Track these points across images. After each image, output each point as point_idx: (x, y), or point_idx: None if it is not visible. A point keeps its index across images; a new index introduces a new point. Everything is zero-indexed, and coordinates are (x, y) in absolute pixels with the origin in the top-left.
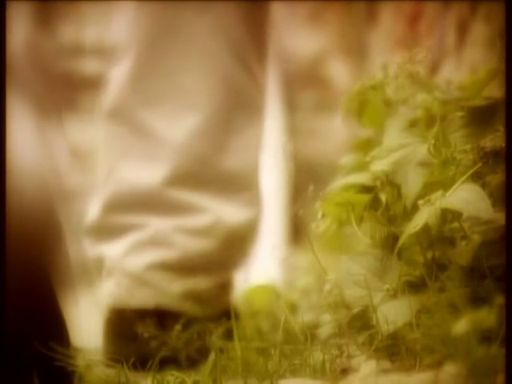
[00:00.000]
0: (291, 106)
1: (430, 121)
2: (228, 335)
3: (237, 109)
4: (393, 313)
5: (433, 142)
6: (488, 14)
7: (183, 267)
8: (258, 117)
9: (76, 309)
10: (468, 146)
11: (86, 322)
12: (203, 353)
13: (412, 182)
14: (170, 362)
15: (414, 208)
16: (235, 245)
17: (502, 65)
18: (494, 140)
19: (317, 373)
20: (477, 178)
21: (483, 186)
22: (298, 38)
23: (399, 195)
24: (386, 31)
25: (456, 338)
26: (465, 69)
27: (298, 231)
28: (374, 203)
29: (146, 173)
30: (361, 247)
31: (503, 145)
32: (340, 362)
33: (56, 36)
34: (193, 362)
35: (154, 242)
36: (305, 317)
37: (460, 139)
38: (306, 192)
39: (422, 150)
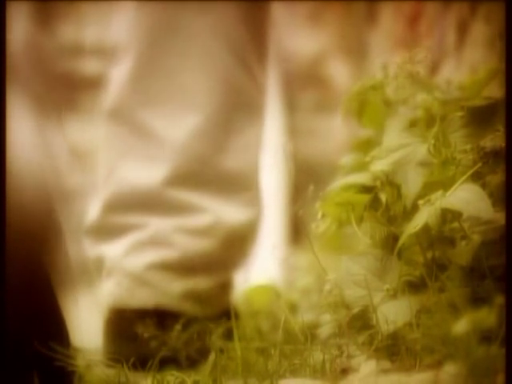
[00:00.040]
0: (291, 106)
1: (430, 121)
2: (228, 335)
3: (237, 109)
4: (393, 313)
5: (433, 142)
6: (488, 14)
7: (183, 267)
8: (258, 117)
9: (76, 309)
10: (468, 146)
11: (86, 322)
12: (203, 353)
13: (412, 182)
14: (170, 362)
15: (414, 208)
16: (235, 245)
17: (502, 65)
18: (494, 140)
19: (317, 373)
20: (477, 178)
21: (483, 186)
22: (297, 38)
23: (399, 195)
24: (386, 31)
25: (456, 338)
26: (465, 69)
27: (298, 231)
28: (374, 203)
29: (146, 173)
30: (361, 247)
31: (503, 145)
32: (340, 362)
33: (56, 36)
34: (193, 362)
35: (154, 241)
36: (305, 317)
37: (460, 139)
38: (306, 192)
39: (421, 150)
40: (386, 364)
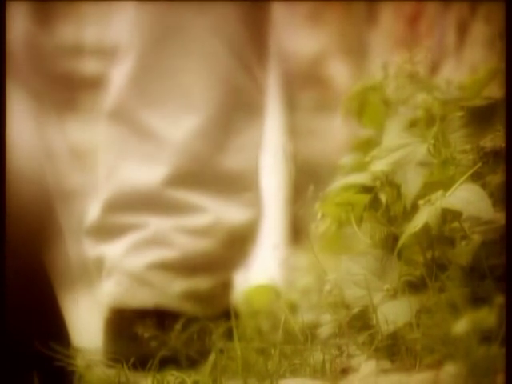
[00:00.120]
0: (291, 105)
1: (429, 121)
2: (228, 335)
3: (237, 109)
4: (393, 313)
5: (433, 142)
6: (488, 14)
7: (183, 267)
8: (258, 117)
9: (76, 309)
10: (468, 146)
11: (86, 322)
12: (203, 353)
13: (412, 182)
14: (170, 361)
15: (414, 208)
16: (235, 245)
17: (502, 65)
18: (494, 140)
19: (317, 373)
20: (477, 178)
21: (483, 186)
22: (298, 38)
23: (399, 195)
24: (386, 31)
25: (456, 338)
26: (465, 69)
27: (298, 231)
28: (374, 203)
29: (146, 173)
30: (361, 247)
31: (503, 145)
32: (340, 362)
33: (56, 36)
34: (193, 362)
35: (154, 241)
36: (305, 317)
37: (460, 139)
38: (306, 192)
39: (421, 150)
40: (386, 364)
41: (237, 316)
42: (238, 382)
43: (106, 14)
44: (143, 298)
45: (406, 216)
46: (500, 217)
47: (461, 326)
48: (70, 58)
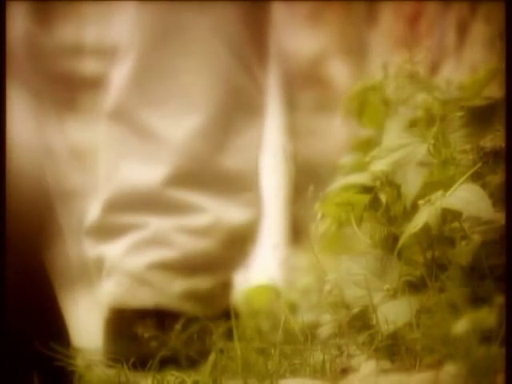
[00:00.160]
0: (291, 105)
1: (429, 121)
2: (228, 335)
3: (237, 109)
4: (393, 313)
5: (433, 142)
6: (488, 14)
7: (183, 267)
8: (258, 117)
9: (76, 309)
10: (468, 146)
11: (86, 322)
12: (203, 353)
13: (412, 182)
14: (170, 361)
15: (414, 208)
16: (235, 245)
17: (502, 65)
18: (494, 140)
19: (317, 373)
20: (477, 178)
21: (483, 186)
22: (298, 38)
23: (399, 195)
24: (386, 31)
25: (456, 338)
26: (465, 69)
27: (298, 231)
28: (374, 203)
29: (146, 173)
30: (361, 247)
31: (503, 145)
32: (340, 362)
33: (56, 36)
34: (193, 362)
35: (154, 241)
36: (305, 317)
37: (460, 139)
38: (306, 192)
39: (421, 150)
40: (386, 364)
41: (237, 316)
42: (238, 382)
43: (106, 14)
44: (143, 298)
45: (406, 216)
46: (500, 217)
47: (461, 325)
48: (70, 58)
